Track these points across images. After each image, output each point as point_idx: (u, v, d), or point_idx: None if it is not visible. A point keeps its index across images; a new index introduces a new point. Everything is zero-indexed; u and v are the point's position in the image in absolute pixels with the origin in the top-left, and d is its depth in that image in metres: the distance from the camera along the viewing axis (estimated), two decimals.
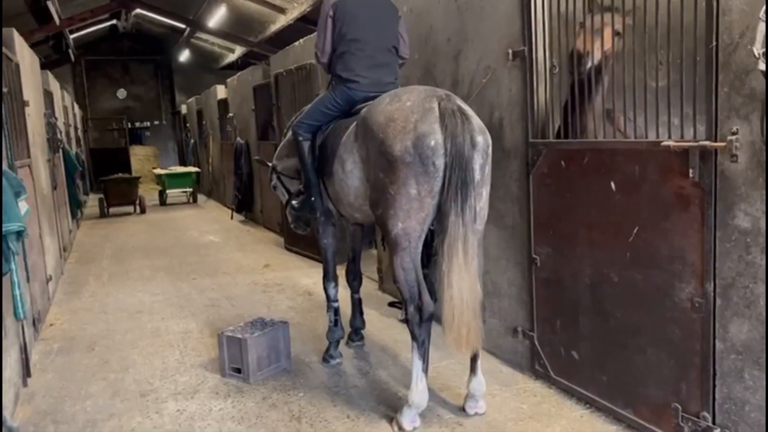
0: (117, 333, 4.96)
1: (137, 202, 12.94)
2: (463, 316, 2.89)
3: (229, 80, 11.92)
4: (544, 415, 3.25)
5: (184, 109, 19.10)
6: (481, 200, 3.08)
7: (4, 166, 3.73)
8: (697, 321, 2.63)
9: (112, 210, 12.80)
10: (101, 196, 12.92)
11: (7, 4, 11.73)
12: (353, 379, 3.83)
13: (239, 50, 18.13)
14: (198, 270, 7.20)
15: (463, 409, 3.32)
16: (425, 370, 3.13)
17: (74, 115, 14.17)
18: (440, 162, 2.91)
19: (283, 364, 4.03)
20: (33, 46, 14.24)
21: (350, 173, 3.40)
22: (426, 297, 3.10)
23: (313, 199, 3.81)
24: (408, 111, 3.01)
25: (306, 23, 12.84)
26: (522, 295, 3.75)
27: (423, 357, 3.11)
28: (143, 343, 4.67)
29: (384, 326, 4.79)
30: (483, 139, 3.04)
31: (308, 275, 6.55)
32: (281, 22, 13.83)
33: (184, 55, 21.02)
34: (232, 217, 11.16)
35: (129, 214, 12.84)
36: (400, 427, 3.14)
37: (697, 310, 2.62)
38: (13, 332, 3.75)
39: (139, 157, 20.46)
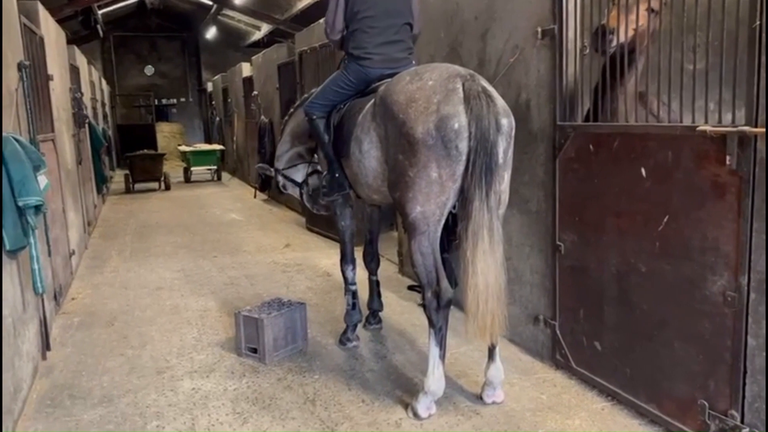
0: (137, 309, 4.98)
1: (162, 178, 13.02)
2: (488, 304, 2.79)
3: (254, 58, 11.86)
4: (563, 406, 3.17)
5: (210, 86, 19.12)
6: (503, 184, 2.99)
7: (25, 139, 3.72)
8: (729, 316, 2.51)
9: (137, 186, 12.91)
10: (127, 172, 13.03)
11: None
12: (369, 363, 3.78)
13: (265, 28, 18.04)
14: (219, 248, 7.21)
15: (480, 398, 3.25)
16: (442, 357, 3.06)
17: (102, 90, 14.26)
18: (463, 145, 2.80)
19: (300, 346, 4.00)
20: (62, 21, 14.34)
21: (367, 154, 3.29)
22: (444, 282, 3.02)
23: (337, 175, 3.69)
24: (430, 91, 2.88)
25: None
26: (545, 283, 3.64)
27: (440, 344, 3.05)
28: (162, 320, 4.68)
29: (403, 310, 4.72)
30: (507, 122, 2.94)
31: (328, 256, 6.51)
32: None
33: (211, 33, 21.00)
34: (255, 196, 11.07)
35: (154, 190, 12.94)
36: (416, 414, 3.08)
37: (730, 304, 2.49)
38: (33, 306, 3.77)
39: (165, 133, 20.58)
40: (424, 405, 3.08)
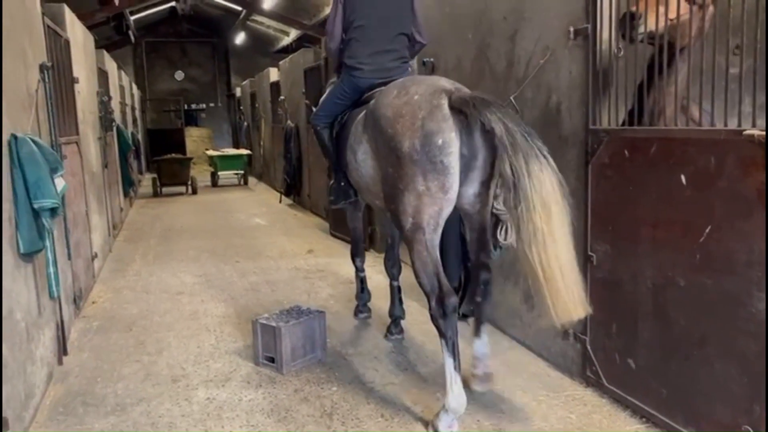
0: (156, 314, 4.92)
1: (189, 182, 13.07)
2: (572, 275, 2.65)
3: (281, 63, 11.85)
4: (594, 427, 2.99)
5: (238, 91, 19.24)
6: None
7: (45, 141, 3.67)
8: None
9: (164, 190, 12.98)
10: (155, 175, 13.12)
11: None
12: (390, 376, 3.64)
13: (294, 33, 18.07)
14: (242, 253, 7.14)
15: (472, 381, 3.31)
16: (458, 368, 2.95)
17: (132, 95, 14.41)
18: (448, 160, 2.86)
19: (318, 355, 3.87)
20: (95, 26, 14.53)
21: (363, 162, 3.39)
22: (447, 287, 2.96)
23: (342, 184, 3.84)
24: (416, 106, 2.94)
25: None
26: None
27: (453, 353, 2.94)
28: (180, 326, 4.60)
29: (426, 319, 4.50)
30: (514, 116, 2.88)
31: (351, 263, 6.38)
32: None
33: (240, 38, 21.14)
34: (280, 201, 11.13)
35: (181, 194, 12.99)
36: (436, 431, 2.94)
37: None
38: (49, 310, 3.72)
39: (194, 138, 20.74)
40: (445, 423, 2.94)
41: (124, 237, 8.36)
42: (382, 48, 3.67)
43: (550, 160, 2.70)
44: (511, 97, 3.81)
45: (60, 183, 3.46)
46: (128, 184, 10.06)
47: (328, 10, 14.94)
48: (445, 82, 3.06)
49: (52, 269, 3.50)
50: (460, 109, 2.84)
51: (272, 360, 3.74)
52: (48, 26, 4.48)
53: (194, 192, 13.09)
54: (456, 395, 2.92)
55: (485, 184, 3.07)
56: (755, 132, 2.28)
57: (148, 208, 11.24)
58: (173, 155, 13.78)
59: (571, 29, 3.25)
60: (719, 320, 2.55)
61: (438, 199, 2.90)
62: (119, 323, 4.71)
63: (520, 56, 3.80)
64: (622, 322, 3.10)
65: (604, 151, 3.12)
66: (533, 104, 3.71)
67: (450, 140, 2.84)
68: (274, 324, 3.74)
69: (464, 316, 4.45)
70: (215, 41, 22.70)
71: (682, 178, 2.65)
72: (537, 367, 3.62)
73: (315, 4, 14.68)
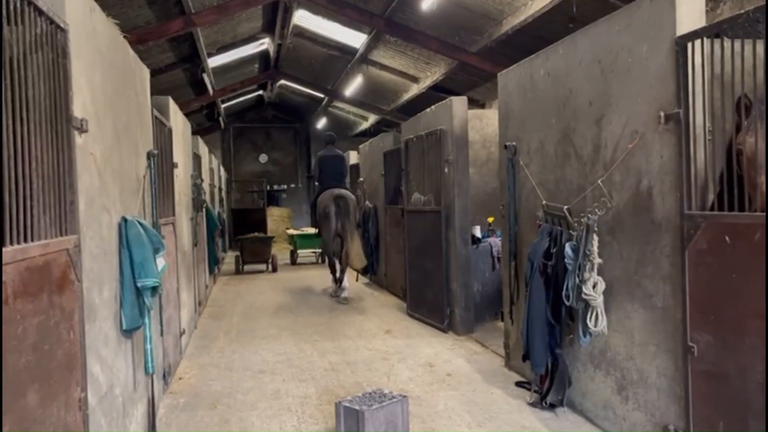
0: (239, 392, 4.98)
1: (270, 260, 13.44)
2: (355, 255, 8.95)
3: (361, 146, 12.28)
4: None
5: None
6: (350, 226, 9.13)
7: (148, 223, 3.92)
8: None
9: (246, 267, 13.38)
10: (237, 253, 13.58)
11: (170, 77, 13.05)
12: None
13: (372, 118, 18.78)
14: (321, 331, 7.20)
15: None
16: (335, 283, 9.33)
17: (220, 177, 15.20)
18: (332, 216, 8.92)
19: None
20: (190, 114, 15.66)
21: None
22: (331, 258, 9.35)
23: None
24: (326, 198, 9.10)
25: (437, 91, 13.04)
26: (674, 388, 3.27)
27: (334, 277, 9.36)
28: (263, 405, 4.63)
29: (511, 408, 4.40)
30: (345, 203, 9.06)
31: (430, 344, 6.31)
32: (414, 90, 14.18)
33: (321, 123, 22.16)
34: (357, 279, 11.21)
35: (262, 271, 13.35)
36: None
37: None
38: (143, 386, 3.84)
39: (275, 217, 21.47)
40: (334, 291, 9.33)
41: (209, 313, 8.62)
42: (333, 179, 9.39)
43: (353, 230, 9.11)
44: (599, 181, 3.79)
45: (161, 262, 3.65)
46: (214, 262, 10.45)
47: (406, 96, 15.59)
48: (331, 191, 9.10)
49: (149, 346, 3.65)
50: (336, 197, 9.01)
51: None
52: (156, 117, 4.86)
53: (274, 270, 13.42)
54: (335, 287, 9.37)
55: (342, 225, 8.93)
56: None
57: (231, 285, 11.60)
58: (255, 234, 14.28)
59: (662, 114, 3.24)
60: None
61: (330, 230, 8.98)
62: (204, 400, 4.79)
63: (607, 140, 3.80)
64: (730, 420, 2.89)
65: (702, 236, 3.01)
66: (622, 188, 3.66)
67: (331, 211, 8.93)
68: (357, 407, 3.70)
69: (552, 406, 4.27)
70: (297, 126, 23.87)
71: None
72: None
73: (393, 90, 15.29)
